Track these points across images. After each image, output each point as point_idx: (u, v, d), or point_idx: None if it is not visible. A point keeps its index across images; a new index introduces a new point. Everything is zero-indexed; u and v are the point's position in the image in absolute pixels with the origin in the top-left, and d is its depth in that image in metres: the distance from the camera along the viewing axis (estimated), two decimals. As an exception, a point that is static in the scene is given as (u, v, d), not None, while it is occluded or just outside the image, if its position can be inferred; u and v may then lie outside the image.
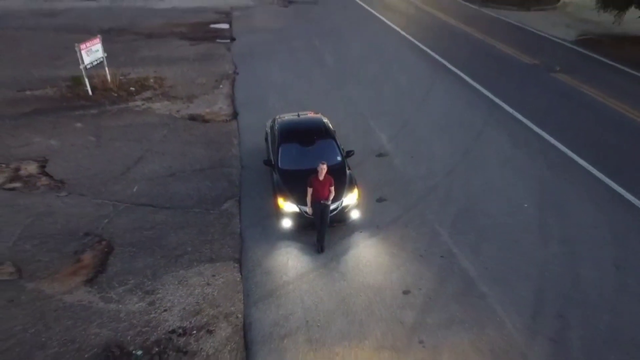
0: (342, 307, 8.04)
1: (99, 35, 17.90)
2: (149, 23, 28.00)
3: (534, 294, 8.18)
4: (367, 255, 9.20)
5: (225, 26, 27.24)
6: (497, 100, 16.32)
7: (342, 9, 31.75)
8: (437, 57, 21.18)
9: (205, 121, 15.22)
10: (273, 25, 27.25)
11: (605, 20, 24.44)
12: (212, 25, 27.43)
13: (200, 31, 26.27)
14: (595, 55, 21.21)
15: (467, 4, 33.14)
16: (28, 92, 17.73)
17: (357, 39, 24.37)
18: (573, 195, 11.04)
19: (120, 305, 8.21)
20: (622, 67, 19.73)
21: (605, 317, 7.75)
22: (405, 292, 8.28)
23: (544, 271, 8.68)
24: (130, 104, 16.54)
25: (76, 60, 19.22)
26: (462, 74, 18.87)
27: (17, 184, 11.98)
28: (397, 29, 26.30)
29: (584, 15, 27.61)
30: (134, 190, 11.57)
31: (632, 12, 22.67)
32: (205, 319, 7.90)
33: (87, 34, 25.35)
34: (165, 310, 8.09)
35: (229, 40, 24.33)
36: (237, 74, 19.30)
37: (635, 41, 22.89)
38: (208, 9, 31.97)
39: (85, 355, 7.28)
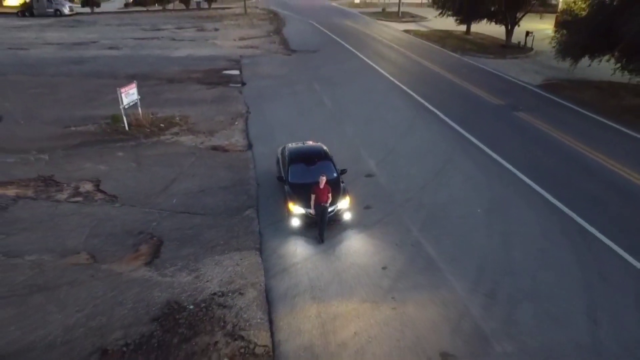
0: (337, 278, 10.99)
1: (134, 81, 21.39)
2: (168, 69, 31.73)
3: (477, 268, 11.16)
4: (356, 245, 12.23)
5: (236, 72, 30.99)
6: (465, 133, 19.67)
7: (340, 57, 35.68)
8: (419, 98, 24.72)
9: (226, 151, 18.47)
10: (278, 72, 31.00)
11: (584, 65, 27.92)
12: (225, 72, 31.18)
13: (214, 77, 29.98)
14: (553, 97, 24.81)
15: (451, 53, 37.20)
16: (73, 128, 21.02)
17: (352, 84, 28.02)
18: (516, 204, 14.16)
19: (174, 278, 11.14)
20: (574, 107, 23.25)
21: (527, 282, 10.71)
22: (384, 268, 11.25)
23: (486, 254, 11.69)
24: (162, 137, 19.81)
25: (109, 101, 22.79)
26: (439, 113, 22.33)
27: (78, 198, 15.06)
28: (387, 75, 30.05)
29: (552, 63, 31.28)
30: (173, 202, 14.64)
31: (587, 61, 26.21)
32: (237, 286, 10.81)
33: (114, 79, 29.12)
34: (207, 281, 11.00)
35: (240, 85, 27.97)
36: (249, 113, 22.74)
37: (590, 85, 26.51)
38: (219, 57, 35.93)
39: (154, 308, 10.16)
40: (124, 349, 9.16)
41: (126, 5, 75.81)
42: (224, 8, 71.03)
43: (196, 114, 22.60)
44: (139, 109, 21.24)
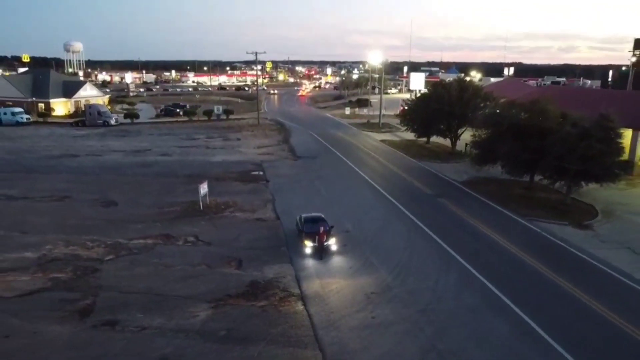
0: (327, 271, 23.70)
1: (206, 180, 34.99)
2: (212, 171, 45.42)
3: (394, 265, 23.93)
4: (338, 260, 25.03)
5: (261, 173, 44.95)
6: (403, 209, 33.12)
7: (332, 162, 50.07)
8: (380, 189, 38.50)
9: (264, 220, 31.60)
10: (290, 173, 45.05)
11: (489, 169, 41.65)
12: (252, 173, 45.11)
13: (246, 176, 43.81)
14: (468, 189, 38.63)
15: (411, 158, 51.77)
16: (166, 209, 34.17)
17: (340, 181, 41.89)
18: (421, 242, 27.16)
19: (252, 273, 23.75)
20: (479, 196, 36.87)
21: (415, 271, 23.45)
22: (350, 267, 24.04)
23: (400, 261, 24.51)
24: (224, 213, 32.97)
25: (182, 192, 36.26)
26: (391, 198, 35.97)
27: (189, 244, 27.94)
28: (363, 174, 44.10)
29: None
30: (241, 244, 27.53)
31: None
32: (282, 275, 23.41)
33: (177, 178, 42.88)
34: (267, 274, 23.62)
35: (265, 182, 41.75)
36: (275, 199, 36.20)
37: (496, 181, 40.18)
38: (246, 161, 50.15)
39: (245, 283, 22.71)
40: (237, 293, 21.66)
41: (157, 116, 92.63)
42: (239, 119, 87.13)
43: (240, 200, 35.94)
44: (207, 196, 34.60)
